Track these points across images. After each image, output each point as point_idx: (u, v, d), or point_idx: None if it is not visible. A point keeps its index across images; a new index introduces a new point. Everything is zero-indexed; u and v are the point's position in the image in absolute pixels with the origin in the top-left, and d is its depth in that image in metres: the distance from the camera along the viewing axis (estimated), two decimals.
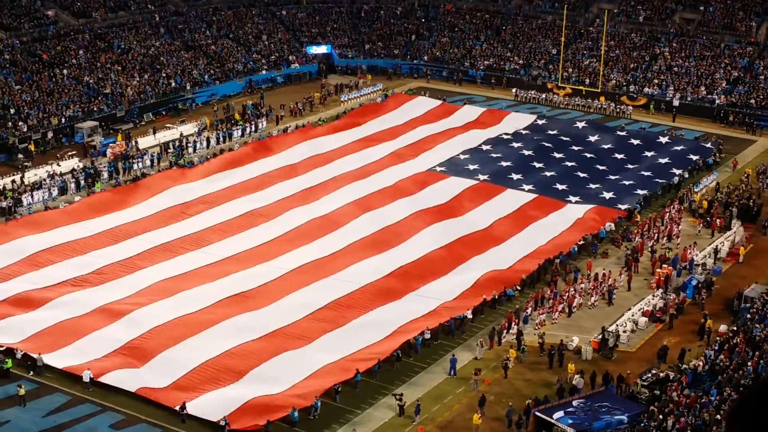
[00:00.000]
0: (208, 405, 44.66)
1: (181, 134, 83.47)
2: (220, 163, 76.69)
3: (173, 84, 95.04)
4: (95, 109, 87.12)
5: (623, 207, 69.29)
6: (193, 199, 69.30)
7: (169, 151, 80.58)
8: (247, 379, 46.78)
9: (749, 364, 44.91)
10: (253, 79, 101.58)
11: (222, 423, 42.81)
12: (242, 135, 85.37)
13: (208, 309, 53.09)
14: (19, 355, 48.43)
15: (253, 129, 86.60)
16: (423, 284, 57.09)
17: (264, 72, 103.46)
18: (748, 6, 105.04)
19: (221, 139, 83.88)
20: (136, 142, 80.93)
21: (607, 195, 71.56)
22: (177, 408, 44.12)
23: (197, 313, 52.62)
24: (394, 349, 49.18)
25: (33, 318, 51.93)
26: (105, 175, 74.71)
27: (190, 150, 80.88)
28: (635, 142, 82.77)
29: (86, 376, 46.49)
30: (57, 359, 48.26)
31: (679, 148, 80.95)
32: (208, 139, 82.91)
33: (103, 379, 46.55)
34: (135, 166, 76.72)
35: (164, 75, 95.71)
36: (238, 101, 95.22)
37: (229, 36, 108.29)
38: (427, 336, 50.90)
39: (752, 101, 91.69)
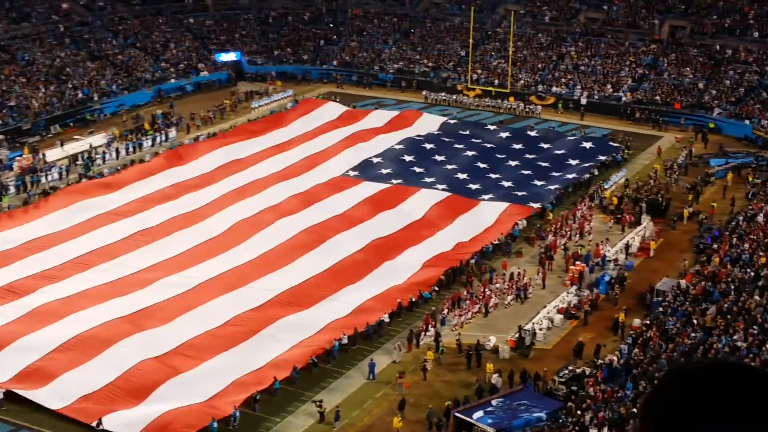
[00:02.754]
0: (124, 420, 43.87)
1: (90, 145, 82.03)
2: (133, 173, 75.51)
3: (80, 95, 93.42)
4: (0, 122, 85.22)
5: (535, 205, 69.89)
6: (106, 212, 68.01)
7: (77, 162, 79.14)
8: (161, 392, 46.03)
9: (663, 357, 45.57)
10: (162, 88, 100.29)
11: None
12: (152, 145, 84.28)
13: (121, 321, 52.11)
14: None
15: (164, 138, 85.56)
16: (340, 289, 56.79)
17: (173, 80, 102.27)
18: (650, 4, 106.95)
19: (131, 149, 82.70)
20: (44, 155, 79.33)
21: (520, 193, 72.09)
22: (93, 424, 43.28)
23: (107, 326, 51.61)
24: (311, 355, 48.86)
25: None
26: (12, 189, 73.09)
27: (99, 161, 79.58)
28: (545, 141, 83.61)
29: None
30: None
31: (588, 145, 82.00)
32: (117, 150, 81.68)
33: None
34: (43, 179, 75.23)
35: (71, 86, 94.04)
36: (148, 111, 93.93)
37: (136, 45, 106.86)
38: (345, 341, 50.69)
39: (657, 98, 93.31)
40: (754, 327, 46.52)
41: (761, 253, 54.99)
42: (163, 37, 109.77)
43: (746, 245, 56.91)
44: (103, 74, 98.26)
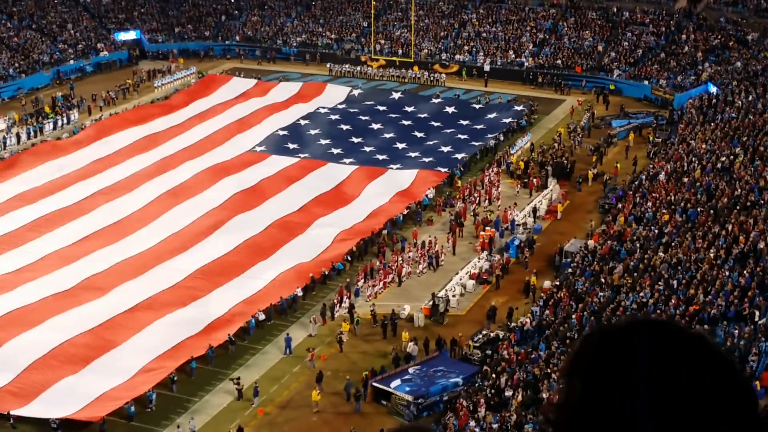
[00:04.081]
0: (39, 407, 43.30)
1: None
2: (35, 156, 73.90)
3: None
4: None
5: (443, 169, 70.36)
6: (11, 198, 66.54)
7: None
8: (77, 377, 45.52)
9: (573, 317, 46.39)
10: (61, 70, 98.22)
11: (53, 426, 41.56)
12: (54, 128, 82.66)
13: (30, 307, 51.23)
14: None
15: (66, 121, 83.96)
16: (251, 266, 56.53)
17: (72, 62, 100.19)
18: None
19: (32, 133, 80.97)
20: None
21: (427, 160, 72.54)
22: (5, 412, 42.65)
23: (18, 312, 50.75)
24: (227, 334, 48.63)
25: None
26: None
27: (0, 146, 77.84)
28: (451, 108, 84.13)
29: None
30: None
31: (493, 111, 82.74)
32: (18, 135, 79.92)
33: None
34: None
35: None
36: (47, 93, 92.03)
37: (32, 26, 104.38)
38: (261, 317, 50.57)
39: (559, 62, 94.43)
40: (660, 283, 47.60)
41: (664, 211, 56.17)
42: (60, 18, 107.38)
43: (649, 203, 58.07)
44: None
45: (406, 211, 63.59)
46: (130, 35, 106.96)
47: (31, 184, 68.56)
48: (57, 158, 73.60)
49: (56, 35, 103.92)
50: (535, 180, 67.92)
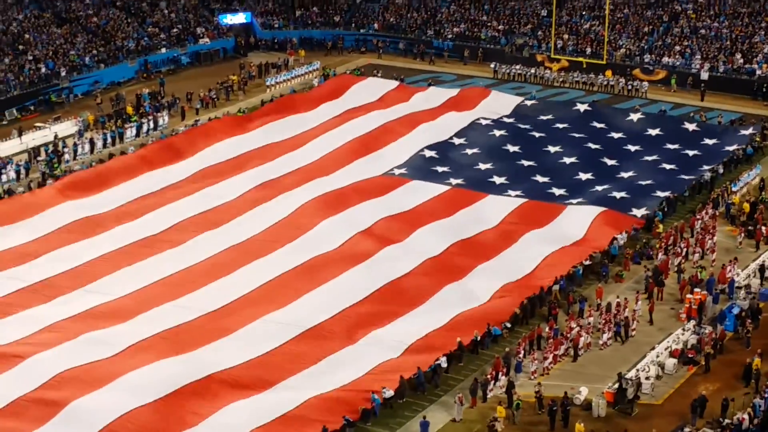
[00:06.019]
0: None
1: (56, 136, 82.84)
2: (111, 171, 76.12)
3: (43, 69, 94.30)
4: None
5: (640, 213, 69.73)
6: (73, 222, 68.72)
7: (39, 158, 79.85)
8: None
9: None
10: (150, 61, 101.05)
11: None
12: (137, 134, 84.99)
13: (127, 353, 53.05)
14: None
15: (152, 126, 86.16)
16: (380, 326, 56.91)
17: (164, 51, 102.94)
18: None
19: (109, 140, 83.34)
20: None
21: (618, 195, 72.01)
22: None
23: (113, 359, 52.51)
24: (344, 414, 48.97)
25: None
26: None
27: (68, 156, 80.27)
28: (653, 129, 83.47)
29: None
30: None
31: (710, 135, 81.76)
32: (92, 141, 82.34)
33: None
34: None
35: (31, 58, 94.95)
36: (131, 90, 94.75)
37: (116, 4, 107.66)
38: (388, 394, 50.76)
39: None
40: None
41: None
42: None
43: None
44: (72, 42, 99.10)
45: (587, 262, 63.24)
46: (239, 18, 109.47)
47: (106, 207, 70.71)
48: (137, 176, 75.71)
49: (145, 16, 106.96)
50: (764, 228, 66.84)
